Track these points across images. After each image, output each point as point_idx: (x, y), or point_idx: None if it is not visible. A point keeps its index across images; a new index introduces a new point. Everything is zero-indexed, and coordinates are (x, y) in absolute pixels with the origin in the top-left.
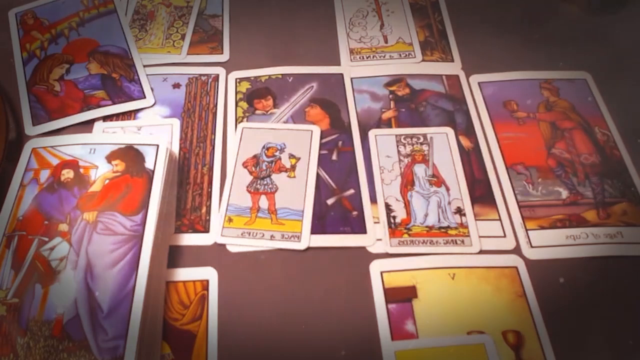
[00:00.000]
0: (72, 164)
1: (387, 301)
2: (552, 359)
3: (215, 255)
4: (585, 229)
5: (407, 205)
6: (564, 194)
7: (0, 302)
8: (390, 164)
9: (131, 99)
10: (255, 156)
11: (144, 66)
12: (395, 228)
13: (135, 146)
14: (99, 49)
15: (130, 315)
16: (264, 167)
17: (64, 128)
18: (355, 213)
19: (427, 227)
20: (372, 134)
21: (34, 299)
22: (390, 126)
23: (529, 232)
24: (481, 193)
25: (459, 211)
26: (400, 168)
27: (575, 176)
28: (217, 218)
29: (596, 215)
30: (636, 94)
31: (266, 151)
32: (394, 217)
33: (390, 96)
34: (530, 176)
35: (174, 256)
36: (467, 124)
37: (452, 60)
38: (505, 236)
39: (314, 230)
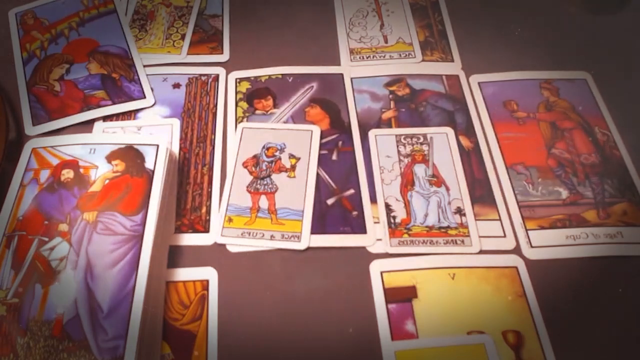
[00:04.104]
0: (72, 164)
1: (387, 301)
2: (552, 359)
3: (215, 255)
4: (585, 229)
5: (407, 205)
6: (564, 194)
7: (0, 302)
8: (390, 164)
9: (131, 99)
10: (255, 156)
11: (144, 66)
12: (395, 228)
13: (135, 146)
14: (99, 49)
15: (130, 315)
16: (264, 167)
17: (64, 128)
18: (355, 213)
19: (427, 227)
20: (372, 134)
21: (34, 299)
22: (390, 126)
23: (529, 232)
24: (481, 193)
25: (459, 211)
26: (400, 168)
27: (575, 176)
28: (217, 218)
29: (596, 215)
30: (636, 94)
31: (266, 151)
32: (394, 217)
33: (390, 96)
34: (530, 176)
35: (174, 256)
36: (467, 124)
37: (452, 60)
38: (505, 236)
39: (314, 230)
